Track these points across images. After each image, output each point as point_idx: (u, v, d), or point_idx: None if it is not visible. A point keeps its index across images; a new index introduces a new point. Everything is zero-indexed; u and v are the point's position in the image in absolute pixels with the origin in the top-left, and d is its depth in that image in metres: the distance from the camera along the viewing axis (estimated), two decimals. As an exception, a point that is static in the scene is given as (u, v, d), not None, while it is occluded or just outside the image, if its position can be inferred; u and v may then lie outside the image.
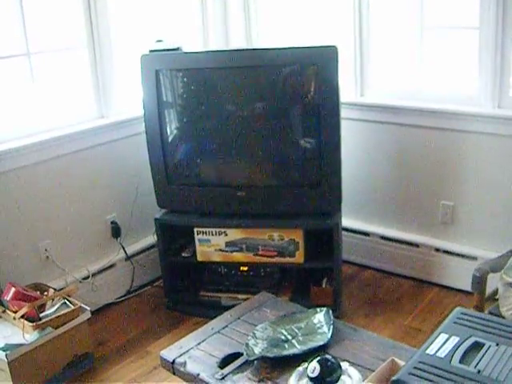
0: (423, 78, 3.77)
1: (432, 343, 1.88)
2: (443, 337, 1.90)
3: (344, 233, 3.76)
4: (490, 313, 2.85)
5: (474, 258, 3.60)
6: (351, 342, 2.45)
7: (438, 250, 3.83)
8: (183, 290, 3.78)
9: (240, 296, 3.55)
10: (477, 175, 3.60)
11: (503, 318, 2.77)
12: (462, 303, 3.37)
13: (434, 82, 3.74)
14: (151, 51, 3.47)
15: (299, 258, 3.49)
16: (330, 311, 2.60)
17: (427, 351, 1.85)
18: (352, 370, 2.18)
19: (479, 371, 1.74)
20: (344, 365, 2.20)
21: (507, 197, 3.50)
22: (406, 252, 3.95)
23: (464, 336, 1.91)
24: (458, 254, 3.73)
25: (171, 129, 3.56)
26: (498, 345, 1.86)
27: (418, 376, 1.75)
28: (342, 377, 2.14)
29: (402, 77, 3.86)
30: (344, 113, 3.41)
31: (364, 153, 3.97)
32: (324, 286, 3.59)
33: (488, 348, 1.85)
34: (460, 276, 3.63)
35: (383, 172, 3.94)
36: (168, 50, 3.49)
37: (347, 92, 3.76)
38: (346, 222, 3.79)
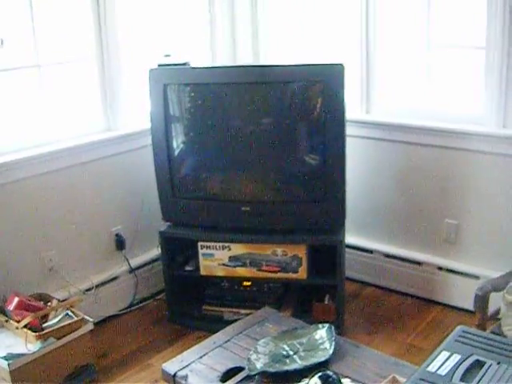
0: (429, 97, 3.79)
1: (433, 361, 1.88)
2: (444, 355, 1.90)
3: (347, 250, 3.76)
4: (492, 332, 2.85)
5: (477, 277, 3.60)
6: (353, 358, 2.46)
7: (440, 268, 3.83)
8: (186, 303, 3.78)
9: (242, 311, 3.56)
10: (481, 194, 3.60)
11: (505, 337, 2.78)
12: (464, 322, 3.34)
13: (440, 100, 3.76)
14: (159, 65, 3.50)
15: (302, 273, 3.49)
16: (333, 327, 2.60)
17: (428, 369, 1.85)
18: (353, 387, 2.18)
19: (478, 390, 1.74)
20: (345, 381, 2.21)
21: (509, 216, 3.51)
22: (409, 270, 3.95)
23: (465, 354, 1.91)
24: (460, 273, 3.73)
25: (178, 142, 3.58)
26: (499, 363, 1.86)
27: (418, 394, 1.75)
28: (343, 393, 2.15)
29: (408, 95, 3.88)
30: (349, 130, 3.42)
31: (369, 170, 3.98)
32: (326, 302, 3.59)
33: (489, 367, 1.85)
34: (462, 295, 3.63)
35: (388, 189, 3.95)
36: (176, 64, 3.53)
37: (353, 109, 3.77)
38: (349, 239, 3.81)
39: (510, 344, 1.98)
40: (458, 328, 2.08)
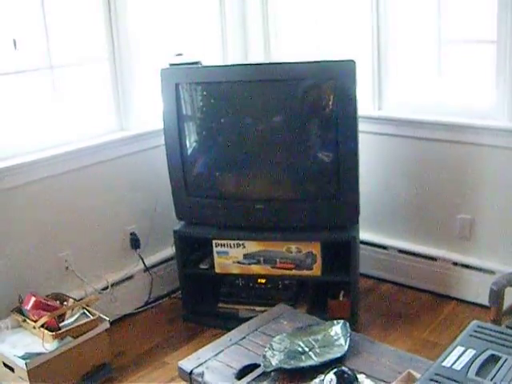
0: (440, 92, 3.78)
1: (448, 356, 1.89)
2: (459, 349, 1.91)
3: (362, 246, 3.76)
4: (508, 327, 2.85)
5: (492, 272, 3.59)
6: (368, 354, 2.46)
7: (455, 263, 3.83)
8: (201, 301, 3.80)
9: (257, 308, 3.57)
10: (495, 189, 3.59)
11: None
12: (480, 317, 3.35)
13: (452, 95, 3.74)
14: (171, 65, 3.52)
15: (317, 270, 3.50)
16: (347, 324, 2.61)
17: (443, 363, 1.85)
18: (368, 383, 2.19)
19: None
20: (361, 377, 2.21)
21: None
22: (424, 266, 3.95)
23: (480, 349, 1.92)
24: (475, 268, 3.73)
25: (190, 141, 3.60)
26: (514, 358, 1.86)
27: (434, 388, 1.76)
28: (359, 388, 2.16)
29: (420, 90, 3.87)
30: (362, 126, 3.42)
31: (382, 166, 3.98)
32: (341, 298, 3.59)
33: (505, 361, 1.85)
34: (477, 290, 3.63)
35: (401, 185, 3.95)
36: (187, 63, 3.54)
37: (365, 105, 3.76)
38: (363, 235, 3.80)
39: (523, 337, 1.98)
40: (473, 323, 2.09)
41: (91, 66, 3.69)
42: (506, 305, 2.89)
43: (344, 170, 3.35)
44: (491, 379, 1.77)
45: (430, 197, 3.86)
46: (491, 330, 2.03)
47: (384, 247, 4.11)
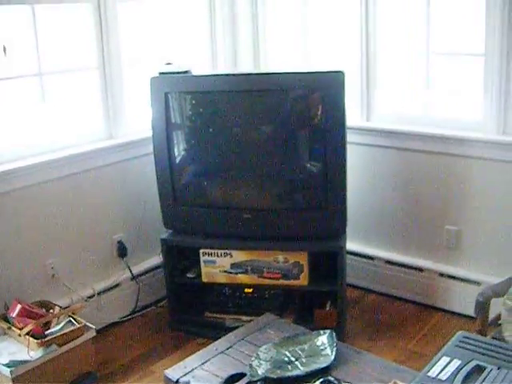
0: (429, 104, 3.81)
1: (434, 366, 1.90)
2: (445, 360, 1.92)
3: (349, 256, 3.77)
4: (493, 338, 2.86)
5: (478, 283, 3.60)
6: (354, 364, 2.47)
7: (442, 274, 3.84)
8: (188, 310, 3.79)
9: (244, 317, 3.56)
10: (481, 200, 3.62)
11: (506, 342, 2.79)
12: (466, 328, 3.36)
13: (440, 107, 3.78)
14: (161, 73, 3.52)
15: (303, 280, 3.50)
16: (334, 333, 2.62)
17: (429, 374, 1.86)
18: (354, 392, 2.19)
19: (480, 395, 1.76)
20: (346, 387, 2.22)
21: (510, 222, 3.52)
22: (411, 276, 3.96)
23: (466, 359, 1.93)
24: (461, 279, 3.74)
25: (179, 150, 3.60)
26: (499, 368, 1.88)
27: (419, 398, 1.77)
28: (345, 398, 2.16)
29: (408, 102, 3.90)
30: (350, 137, 3.44)
31: (370, 177, 4.00)
32: (328, 308, 3.60)
33: (489, 372, 1.86)
34: (464, 301, 3.64)
35: (389, 196, 3.97)
36: (177, 72, 3.55)
37: (353, 116, 3.79)
38: (351, 245, 3.81)
39: (510, 349, 2.00)
40: (459, 333, 2.10)
41: (81, 74, 3.69)
42: (491, 316, 2.91)
43: (332, 180, 3.36)
44: (474, 390, 1.78)
45: (417, 208, 3.88)
46: (477, 340, 2.05)
47: (371, 258, 4.12)
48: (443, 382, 1.82)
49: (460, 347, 2.00)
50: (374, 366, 2.45)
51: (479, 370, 1.88)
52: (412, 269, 3.95)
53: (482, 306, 2.84)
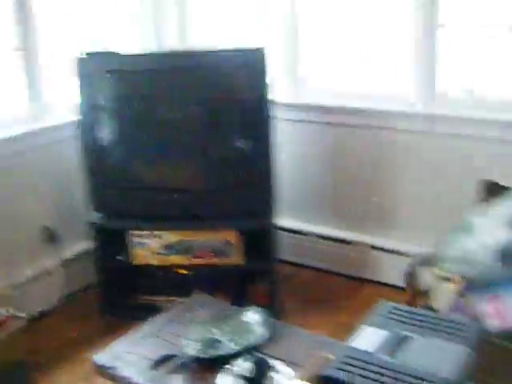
0: (356, 78, 3.81)
1: (359, 338, 1.91)
2: (370, 331, 1.93)
3: (281, 233, 3.75)
4: (423, 307, 2.91)
5: (407, 255, 3.64)
6: (285, 340, 2.46)
7: (373, 247, 3.88)
8: (120, 294, 3.73)
9: (178, 299, 3.52)
10: (408, 172, 3.67)
11: (435, 311, 2.83)
12: (396, 299, 3.39)
13: (367, 81, 3.78)
14: (86, 54, 3.43)
15: (236, 258, 3.49)
16: (265, 310, 2.61)
17: (354, 345, 1.87)
18: (284, 368, 2.19)
19: (405, 363, 1.77)
20: (276, 363, 2.21)
21: (437, 193, 3.58)
22: (343, 250, 3.99)
23: (391, 329, 1.94)
24: (392, 251, 3.79)
25: (105, 132, 3.52)
26: (424, 337, 1.89)
27: (345, 370, 1.77)
28: (275, 375, 2.16)
29: (336, 76, 3.90)
30: (279, 113, 3.43)
31: (300, 153, 4.00)
32: (261, 285, 3.59)
33: (414, 340, 1.88)
34: (394, 272, 3.66)
35: (319, 171, 3.97)
36: (103, 52, 3.47)
37: (283, 92, 3.78)
38: (283, 221, 3.80)
39: (434, 317, 2.02)
40: (383, 304, 2.11)
41: (3, 55, 3.56)
42: (421, 285, 2.95)
43: (259, 157, 3.35)
44: (401, 359, 1.79)
45: (347, 182, 3.90)
46: (402, 310, 2.07)
47: (304, 233, 4.13)
48: (368, 353, 1.83)
49: (385, 317, 2.02)
50: (305, 340, 2.45)
51: (404, 339, 1.89)
52: (344, 243, 3.98)
53: (411, 277, 2.89)
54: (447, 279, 2.84)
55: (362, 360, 1.78)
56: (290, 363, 2.25)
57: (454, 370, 1.75)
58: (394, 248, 3.78)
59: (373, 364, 1.76)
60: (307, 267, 4.14)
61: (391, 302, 2.12)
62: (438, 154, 3.54)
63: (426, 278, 2.92)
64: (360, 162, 3.81)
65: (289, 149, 3.89)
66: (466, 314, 2.72)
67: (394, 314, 2.04)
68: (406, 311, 2.09)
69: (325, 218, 4.04)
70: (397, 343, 1.87)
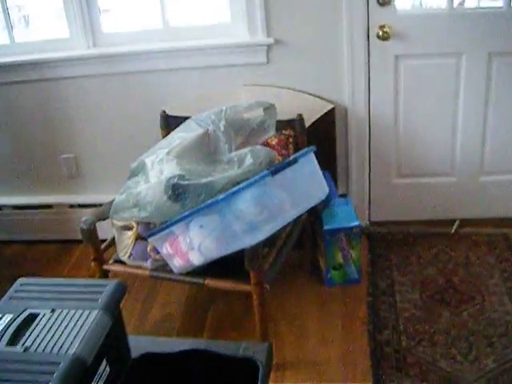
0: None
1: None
2: (-2, 318, 1.70)
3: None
4: (115, 261, 2.76)
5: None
6: None
7: (71, 206, 3.69)
8: None
9: None
10: (94, 123, 3.49)
11: (124, 263, 2.68)
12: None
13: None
14: None
15: None
16: None
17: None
18: None
19: (26, 349, 1.56)
20: None
21: (125, 140, 3.46)
22: (44, 216, 3.75)
23: (18, 311, 1.71)
24: (89, 206, 3.56)
25: None
26: (53, 311, 1.69)
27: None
28: None
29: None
30: None
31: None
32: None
33: (42, 317, 1.68)
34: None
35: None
36: None
37: None
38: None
39: (64, 285, 1.84)
40: (17, 282, 1.89)
41: None
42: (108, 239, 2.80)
43: None
44: (23, 344, 1.58)
45: (28, 143, 3.61)
46: (34, 284, 1.85)
47: (-1, 208, 3.81)
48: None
49: (14, 298, 1.79)
50: None
51: (32, 319, 1.68)
52: (42, 208, 3.73)
53: (89, 233, 2.70)
54: (127, 227, 2.70)
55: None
56: None
57: (88, 341, 1.58)
58: (90, 202, 3.58)
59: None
60: (13, 242, 3.83)
61: (23, 278, 1.88)
62: (112, 95, 3.38)
63: (109, 230, 2.77)
64: (38, 120, 3.53)
65: None
66: (153, 259, 2.61)
67: (22, 291, 1.81)
68: (35, 284, 1.85)
69: (15, 187, 3.74)
70: (22, 326, 1.65)
